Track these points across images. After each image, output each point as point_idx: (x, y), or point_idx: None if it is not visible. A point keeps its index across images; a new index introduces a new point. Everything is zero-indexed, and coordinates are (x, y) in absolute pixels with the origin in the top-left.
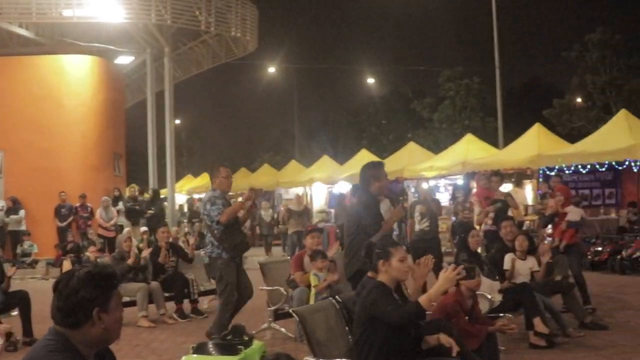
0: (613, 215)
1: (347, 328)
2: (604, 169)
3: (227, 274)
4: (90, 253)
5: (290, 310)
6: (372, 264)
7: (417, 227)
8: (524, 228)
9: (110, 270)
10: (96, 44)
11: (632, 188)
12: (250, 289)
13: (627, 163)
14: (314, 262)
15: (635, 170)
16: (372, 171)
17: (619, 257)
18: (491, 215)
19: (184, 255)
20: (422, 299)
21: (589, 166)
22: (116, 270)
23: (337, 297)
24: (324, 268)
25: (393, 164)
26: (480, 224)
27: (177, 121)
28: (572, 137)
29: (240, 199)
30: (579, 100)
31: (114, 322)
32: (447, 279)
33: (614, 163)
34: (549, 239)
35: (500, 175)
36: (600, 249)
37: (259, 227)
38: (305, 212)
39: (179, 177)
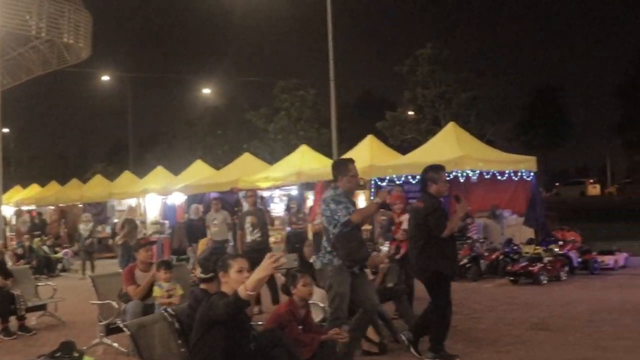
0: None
1: (180, 341)
2: None
3: (337, 282)
4: None
5: (122, 325)
6: (211, 276)
7: (248, 238)
8: None
9: None
10: None
11: None
12: (372, 302)
13: (454, 173)
14: (159, 273)
15: (461, 180)
16: (430, 174)
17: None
18: None
19: (4, 271)
20: (240, 289)
21: (418, 176)
22: None
23: (169, 309)
24: (169, 279)
25: (228, 174)
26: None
27: (5, 130)
28: (404, 148)
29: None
30: (410, 112)
31: None
32: (264, 267)
33: None
34: (385, 247)
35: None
36: None
37: (77, 242)
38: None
39: (6, 188)
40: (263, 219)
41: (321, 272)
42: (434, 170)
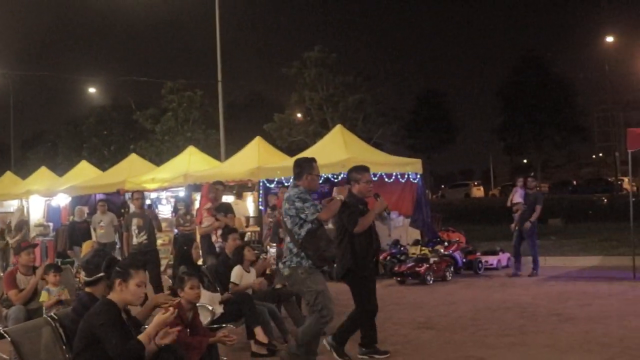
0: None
1: (64, 347)
2: (320, 182)
3: (313, 281)
4: None
5: (1, 331)
6: (95, 278)
7: (134, 240)
8: (245, 239)
9: None
10: None
11: None
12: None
13: (342, 175)
14: (48, 276)
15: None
16: (353, 174)
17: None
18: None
19: None
20: (142, 337)
21: None
22: None
23: (52, 314)
24: (57, 283)
25: (114, 175)
26: (203, 234)
27: None
28: (292, 150)
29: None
30: (298, 115)
31: None
32: (161, 320)
33: (329, 176)
34: (273, 250)
35: (223, 185)
36: None
37: None
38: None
39: None
40: (149, 221)
41: (290, 277)
42: (357, 171)
